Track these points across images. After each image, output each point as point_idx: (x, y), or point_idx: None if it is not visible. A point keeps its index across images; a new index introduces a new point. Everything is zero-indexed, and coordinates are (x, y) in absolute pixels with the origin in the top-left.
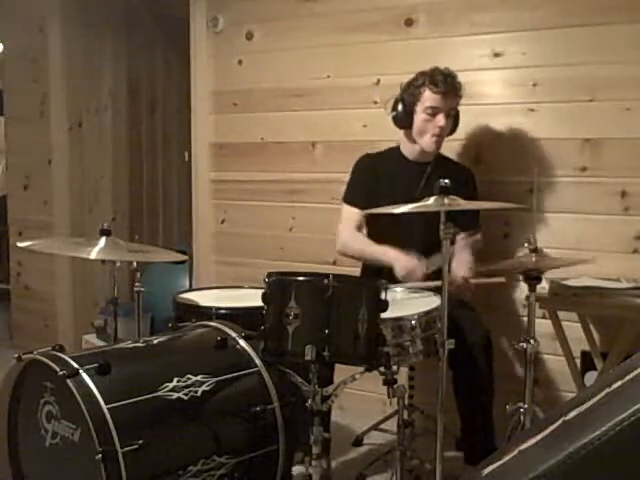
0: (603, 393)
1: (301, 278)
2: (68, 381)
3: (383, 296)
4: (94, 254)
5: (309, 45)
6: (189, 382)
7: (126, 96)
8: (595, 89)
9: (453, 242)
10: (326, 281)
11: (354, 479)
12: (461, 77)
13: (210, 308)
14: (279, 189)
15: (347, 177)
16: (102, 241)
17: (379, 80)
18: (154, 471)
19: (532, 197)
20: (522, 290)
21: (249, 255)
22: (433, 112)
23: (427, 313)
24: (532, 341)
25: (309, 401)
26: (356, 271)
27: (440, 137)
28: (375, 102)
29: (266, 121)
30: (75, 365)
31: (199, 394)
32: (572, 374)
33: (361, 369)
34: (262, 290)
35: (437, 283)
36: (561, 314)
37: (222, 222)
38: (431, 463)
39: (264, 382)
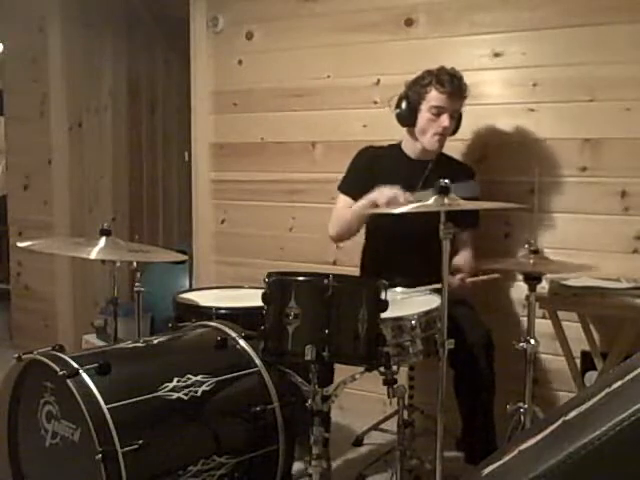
0: (603, 393)
1: (301, 278)
2: (68, 381)
3: (383, 296)
4: (94, 254)
5: (309, 45)
6: (189, 382)
7: (126, 96)
8: (595, 89)
9: (453, 241)
10: (326, 281)
11: (354, 479)
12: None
13: (210, 308)
14: (279, 189)
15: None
16: (102, 241)
17: (379, 80)
18: (154, 471)
19: (532, 197)
20: (522, 290)
21: (249, 255)
22: (438, 112)
23: (427, 313)
24: (532, 341)
25: (309, 401)
26: (356, 271)
27: (443, 136)
28: (375, 102)
29: (266, 121)
30: (75, 365)
31: (199, 394)
32: (572, 374)
33: (361, 369)
34: (262, 290)
35: (437, 285)
36: (561, 314)
37: (222, 222)
38: (431, 463)
39: (264, 382)
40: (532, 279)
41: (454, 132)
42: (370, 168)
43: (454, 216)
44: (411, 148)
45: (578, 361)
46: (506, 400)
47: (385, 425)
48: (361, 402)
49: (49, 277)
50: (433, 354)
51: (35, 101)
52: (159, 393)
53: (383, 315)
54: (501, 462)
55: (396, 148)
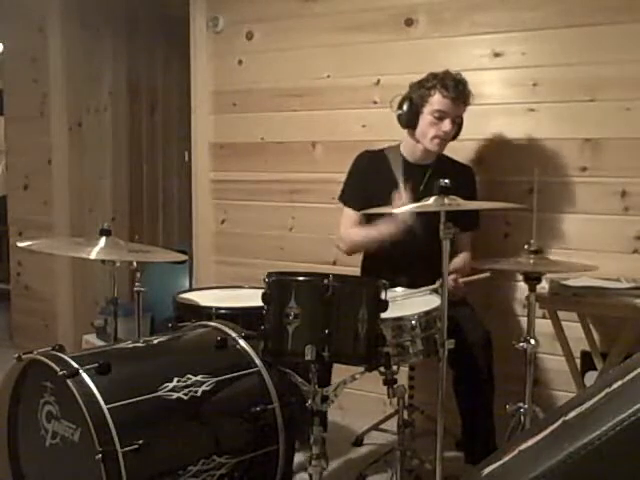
0: (603, 393)
1: (301, 278)
2: (68, 381)
3: (383, 296)
4: (94, 254)
5: (309, 45)
6: (189, 382)
7: (126, 96)
8: (595, 89)
9: (453, 242)
10: (326, 281)
11: (354, 479)
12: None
13: (210, 308)
14: (279, 189)
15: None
16: (102, 241)
17: (379, 80)
18: (154, 471)
19: (532, 197)
20: (522, 290)
21: (249, 255)
22: (440, 116)
23: (427, 313)
24: (532, 341)
25: (309, 401)
26: (356, 271)
27: (444, 140)
28: (375, 102)
29: (266, 121)
30: (75, 365)
31: (199, 394)
32: (572, 374)
33: (361, 369)
34: (262, 290)
35: (436, 286)
36: (561, 314)
37: (222, 222)
38: (431, 463)
39: (264, 382)
40: (532, 279)
41: (454, 137)
42: (369, 175)
43: (454, 218)
44: (411, 150)
45: (578, 361)
46: (506, 400)
47: (385, 425)
48: (361, 402)
49: (49, 277)
50: (433, 354)
51: (35, 101)
52: (159, 393)
53: (383, 315)
54: (501, 462)
55: (395, 151)
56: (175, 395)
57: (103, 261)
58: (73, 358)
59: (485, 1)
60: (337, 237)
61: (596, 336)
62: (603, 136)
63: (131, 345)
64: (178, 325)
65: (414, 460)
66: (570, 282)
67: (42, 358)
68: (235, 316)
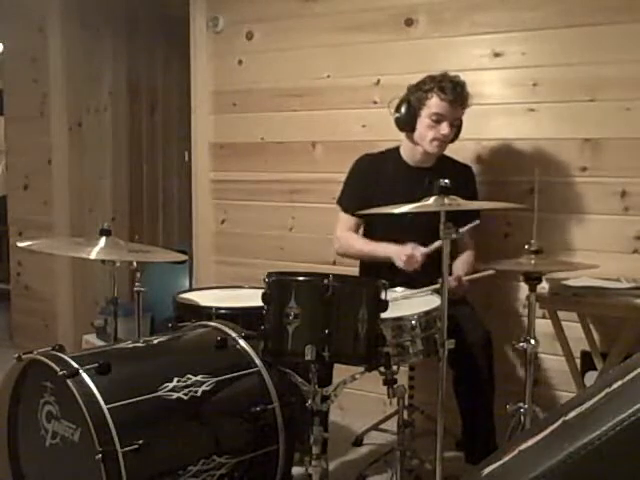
0: (603, 393)
1: (301, 278)
2: (68, 381)
3: (383, 296)
4: (94, 254)
5: (309, 45)
6: (189, 382)
7: (126, 96)
8: (595, 89)
9: (454, 242)
10: (326, 281)
11: (354, 479)
12: (461, 77)
13: (210, 308)
14: (279, 189)
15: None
16: (102, 241)
17: (379, 80)
18: (154, 471)
19: (532, 197)
20: (522, 290)
21: (249, 255)
22: (438, 119)
23: (427, 313)
24: (532, 341)
25: (309, 401)
26: (356, 271)
27: (443, 142)
28: (375, 102)
29: (266, 121)
30: (75, 365)
31: (199, 394)
32: (572, 374)
33: (361, 369)
34: (262, 290)
35: (436, 286)
36: (561, 314)
37: (222, 222)
38: (431, 463)
39: (264, 382)
40: (532, 279)
41: (453, 140)
42: (369, 180)
43: (455, 218)
44: (410, 153)
45: (578, 361)
46: (506, 400)
47: (385, 425)
48: (361, 402)
49: (49, 277)
50: (433, 354)
51: (35, 101)
52: (159, 393)
53: (383, 315)
54: (501, 462)
55: (394, 154)
56: (175, 395)
57: (103, 261)
58: (73, 358)
59: (485, 1)
60: (334, 237)
61: (596, 336)
62: (603, 136)
63: (131, 345)
64: (178, 325)
65: (414, 460)
66: (570, 282)
67: (42, 358)
68: (235, 316)
